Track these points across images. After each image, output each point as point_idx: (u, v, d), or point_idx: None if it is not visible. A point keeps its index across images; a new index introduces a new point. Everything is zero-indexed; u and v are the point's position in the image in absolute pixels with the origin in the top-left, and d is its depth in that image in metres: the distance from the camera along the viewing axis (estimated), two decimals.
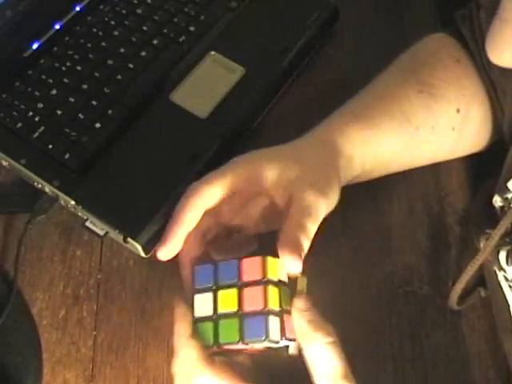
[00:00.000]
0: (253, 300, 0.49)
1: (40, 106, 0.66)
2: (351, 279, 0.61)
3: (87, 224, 0.62)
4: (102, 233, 0.61)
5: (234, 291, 0.50)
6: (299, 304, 0.50)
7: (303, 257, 0.52)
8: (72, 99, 0.67)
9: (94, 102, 0.66)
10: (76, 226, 0.64)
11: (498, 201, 0.56)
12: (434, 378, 0.57)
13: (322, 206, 0.54)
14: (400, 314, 0.60)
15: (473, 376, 0.57)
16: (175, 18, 0.73)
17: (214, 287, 0.51)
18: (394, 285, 0.61)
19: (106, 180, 0.63)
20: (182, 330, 0.51)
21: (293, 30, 0.72)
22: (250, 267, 0.51)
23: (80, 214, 0.62)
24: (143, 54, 0.70)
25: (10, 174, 0.66)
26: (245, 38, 0.72)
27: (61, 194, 0.62)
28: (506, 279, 0.55)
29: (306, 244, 0.52)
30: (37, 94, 0.67)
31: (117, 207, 0.61)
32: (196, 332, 0.50)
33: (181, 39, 0.71)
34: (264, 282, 0.50)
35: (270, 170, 0.54)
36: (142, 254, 0.60)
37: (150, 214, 0.59)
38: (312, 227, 0.52)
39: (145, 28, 0.72)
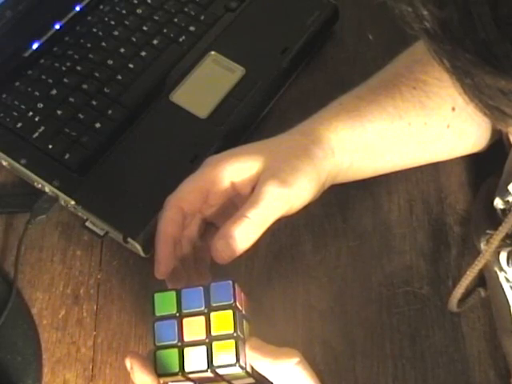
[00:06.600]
0: (222, 324, 0.48)
1: (40, 105, 0.66)
2: (351, 279, 0.61)
3: (87, 224, 0.62)
4: (102, 233, 0.61)
5: (200, 319, 0.49)
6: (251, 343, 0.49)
7: (235, 248, 0.51)
8: (72, 99, 0.67)
9: (94, 102, 0.66)
10: (76, 225, 0.64)
11: (499, 203, 0.55)
12: (434, 378, 0.57)
13: (281, 196, 0.52)
14: (400, 314, 0.60)
15: (473, 376, 0.57)
16: (175, 18, 0.73)
17: (177, 314, 0.50)
18: (394, 285, 0.61)
19: (106, 180, 0.63)
20: (145, 381, 0.49)
21: (293, 30, 0.72)
22: (219, 292, 0.49)
23: (80, 214, 0.62)
24: (143, 54, 0.70)
25: (10, 174, 0.66)
26: (245, 38, 0.72)
27: (61, 194, 0.62)
28: (507, 280, 0.55)
29: (240, 234, 0.51)
30: (37, 93, 0.67)
31: (117, 207, 0.61)
32: (156, 360, 0.49)
33: (181, 39, 0.71)
34: (234, 307, 0.49)
35: (233, 167, 0.54)
36: (142, 253, 0.60)
37: (150, 214, 0.59)
38: (255, 217, 0.51)
39: (145, 28, 0.72)
